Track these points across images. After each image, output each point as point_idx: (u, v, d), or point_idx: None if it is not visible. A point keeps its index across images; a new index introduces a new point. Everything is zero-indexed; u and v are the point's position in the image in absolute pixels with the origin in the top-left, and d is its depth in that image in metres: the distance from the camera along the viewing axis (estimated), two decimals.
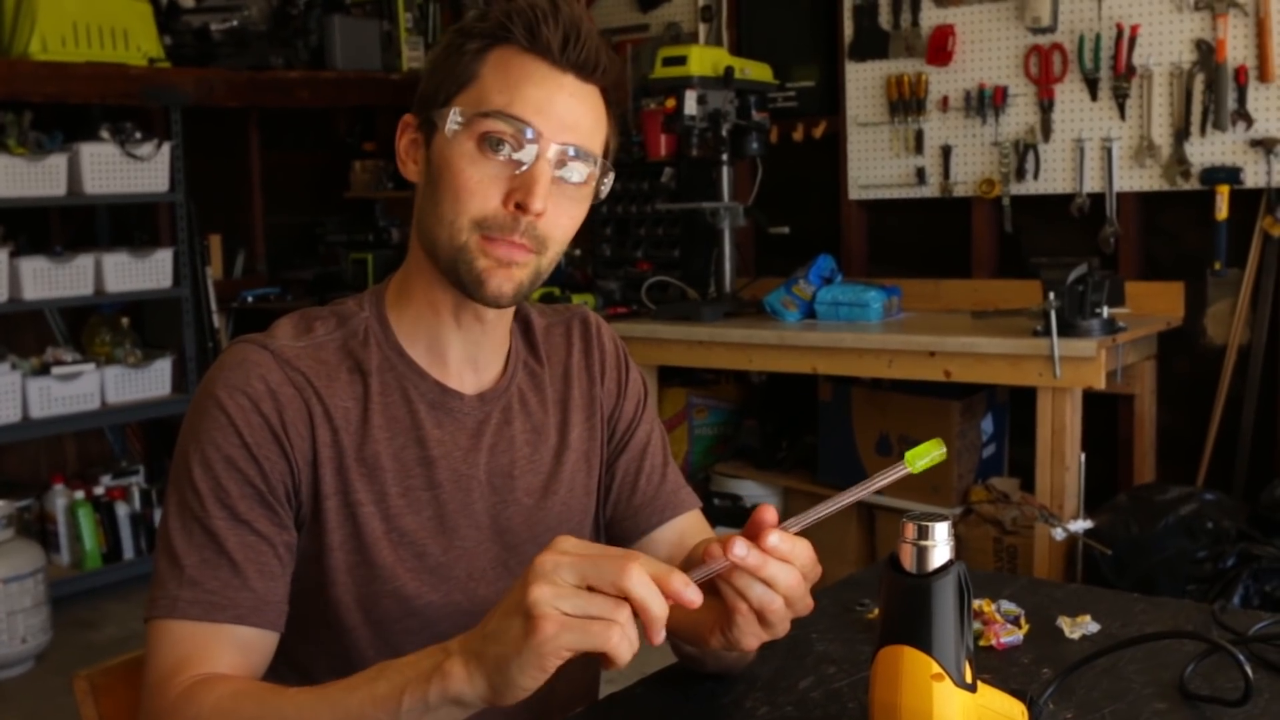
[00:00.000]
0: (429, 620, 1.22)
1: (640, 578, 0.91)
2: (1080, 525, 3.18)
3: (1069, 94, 3.85)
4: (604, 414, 1.38)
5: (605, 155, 1.22)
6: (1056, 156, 3.90)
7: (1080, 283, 3.23)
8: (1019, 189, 3.97)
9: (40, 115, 4.42)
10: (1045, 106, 3.88)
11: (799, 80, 4.47)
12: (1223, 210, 3.58)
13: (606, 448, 1.38)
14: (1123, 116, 3.76)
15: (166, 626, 1.12)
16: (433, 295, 1.24)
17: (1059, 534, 3.16)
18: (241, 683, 1.10)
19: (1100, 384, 3.22)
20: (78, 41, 4.36)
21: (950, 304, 4.06)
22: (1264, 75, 3.51)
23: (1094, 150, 3.82)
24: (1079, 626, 1.36)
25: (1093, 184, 3.84)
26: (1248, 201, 3.60)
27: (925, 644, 0.94)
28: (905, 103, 4.14)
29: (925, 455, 0.98)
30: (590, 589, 0.91)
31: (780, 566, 0.98)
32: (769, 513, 0.99)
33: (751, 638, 1.02)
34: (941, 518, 0.95)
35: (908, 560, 0.95)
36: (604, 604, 0.90)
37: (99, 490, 4.58)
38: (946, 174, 4.11)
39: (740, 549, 0.97)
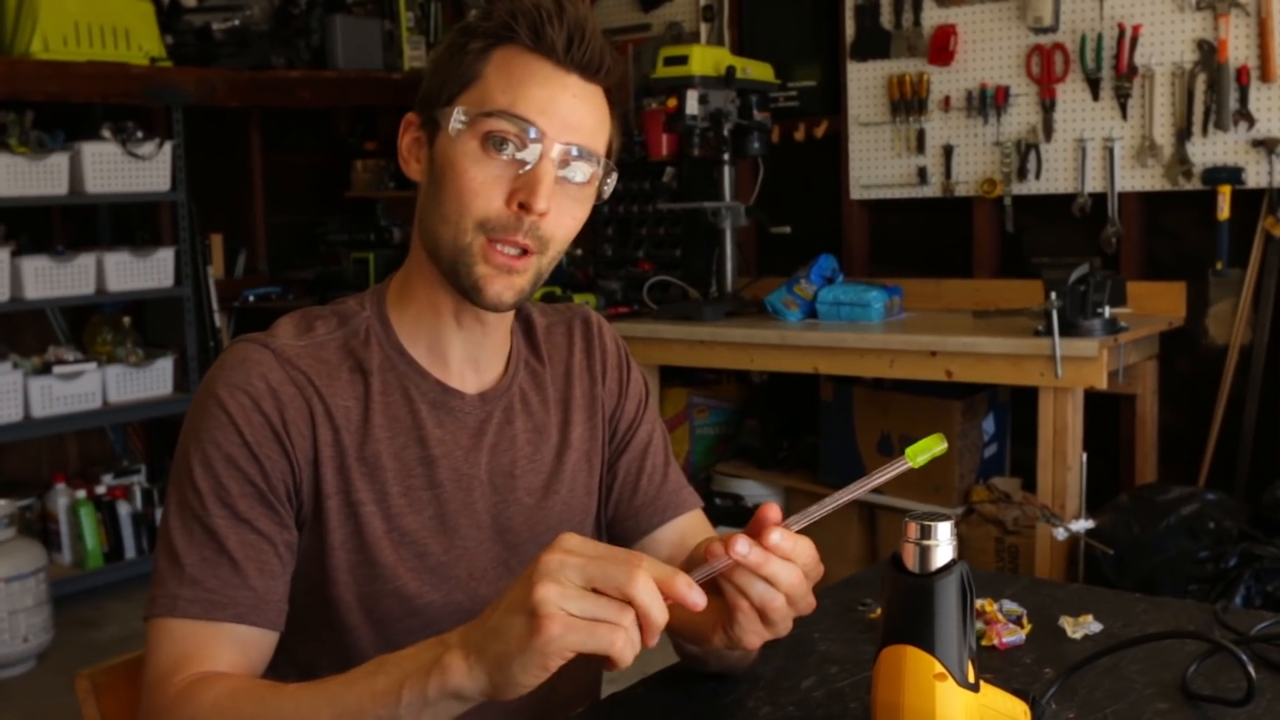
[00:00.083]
0: (430, 620, 1.22)
1: (646, 584, 0.91)
2: (1082, 525, 3.18)
3: (1071, 94, 3.85)
4: (605, 414, 1.38)
5: (608, 155, 1.22)
6: (1058, 156, 3.90)
7: (1082, 283, 3.23)
8: (1020, 189, 3.97)
9: (42, 114, 4.42)
10: (1047, 106, 3.88)
11: (800, 80, 4.47)
12: (1224, 210, 3.58)
13: (608, 447, 1.38)
14: (1124, 116, 3.75)
15: (166, 625, 1.12)
16: (434, 295, 1.24)
17: (1061, 534, 3.16)
18: (240, 680, 1.10)
19: (1102, 384, 3.22)
20: (79, 41, 4.36)
21: (952, 304, 4.05)
22: (1266, 75, 3.51)
23: (1096, 150, 3.82)
24: (1081, 626, 1.36)
25: (1094, 184, 3.83)
26: (1249, 201, 3.59)
27: (928, 644, 0.93)
28: (907, 102, 4.14)
29: (926, 450, 0.98)
30: (595, 591, 0.91)
31: (782, 564, 0.98)
32: (772, 511, 0.99)
33: (754, 636, 1.02)
34: (944, 517, 0.95)
35: (910, 560, 0.95)
36: (609, 607, 0.90)
37: (100, 489, 4.59)
38: (948, 174, 4.10)
39: (742, 546, 0.97)
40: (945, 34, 4.04)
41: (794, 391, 4.35)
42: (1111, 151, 3.78)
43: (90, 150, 4.32)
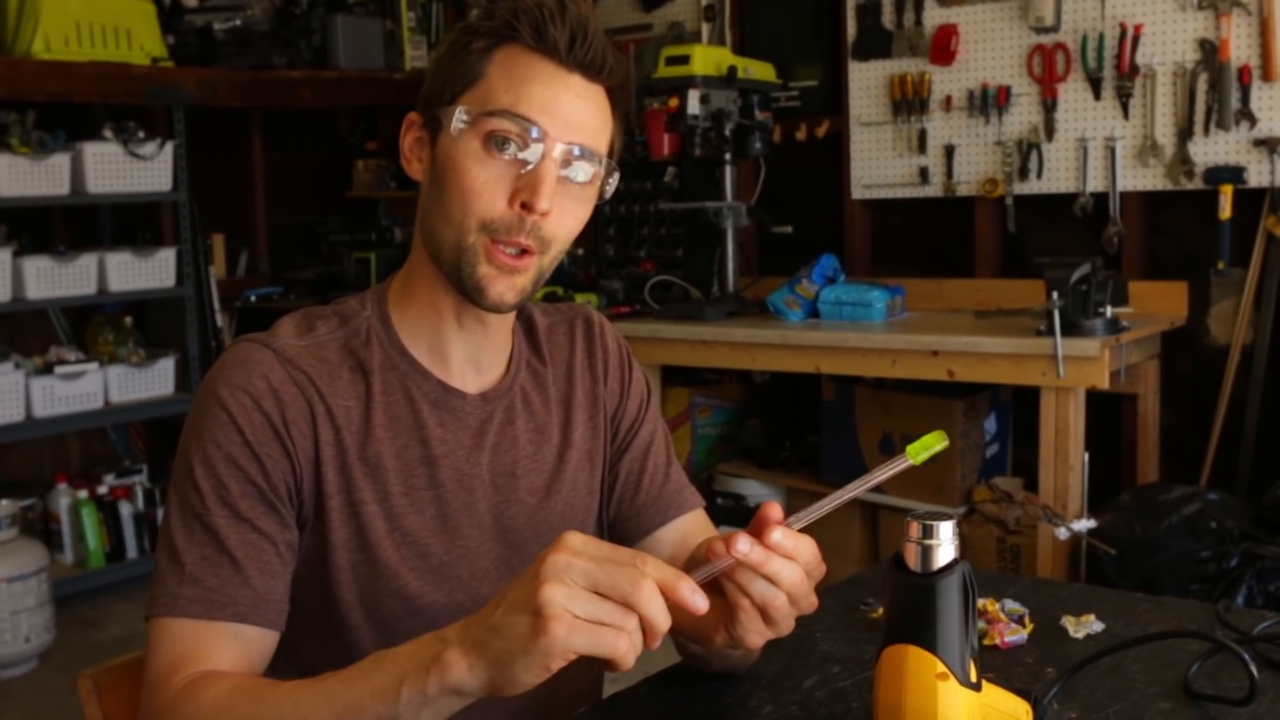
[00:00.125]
0: (432, 620, 1.21)
1: (651, 593, 0.90)
2: (1084, 525, 3.18)
3: (1072, 93, 3.85)
4: (607, 413, 1.38)
5: (610, 155, 1.22)
6: (1060, 156, 3.90)
7: (1083, 282, 3.23)
8: (1022, 188, 3.97)
9: (43, 114, 4.42)
10: (1048, 106, 3.88)
11: (802, 80, 4.47)
12: (1226, 210, 3.58)
13: (610, 447, 1.38)
14: (1126, 116, 3.75)
15: (166, 624, 1.12)
16: (435, 295, 1.24)
17: (1062, 534, 3.16)
18: (239, 679, 1.09)
19: (1104, 383, 3.22)
20: (81, 41, 4.36)
21: (953, 303, 4.05)
22: (1268, 74, 3.51)
23: (1097, 150, 3.82)
24: (1083, 626, 1.36)
25: (1096, 183, 3.83)
26: (1251, 201, 3.59)
27: (930, 643, 0.93)
28: (908, 102, 4.14)
29: (927, 447, 0.98)
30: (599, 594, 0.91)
31: (783, 563, 0.98)
32: (774, 509, 0.99)
33: (756, 635, 1.02)
34: (946, 516, 0.95)
35: (912, 559, 0.95)
36: (614, 611, 0.90)
37: (102, 489, 4.59)
38: (950, 173, 4.10)
39: (743, 545, 0.97)
40: (946, 34, 4.04)
41: (796, 391, 4.35)
42: (1113, 151, 3.78)
43: (92, 150, 4.32)
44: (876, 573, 1.60)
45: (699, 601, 0.93)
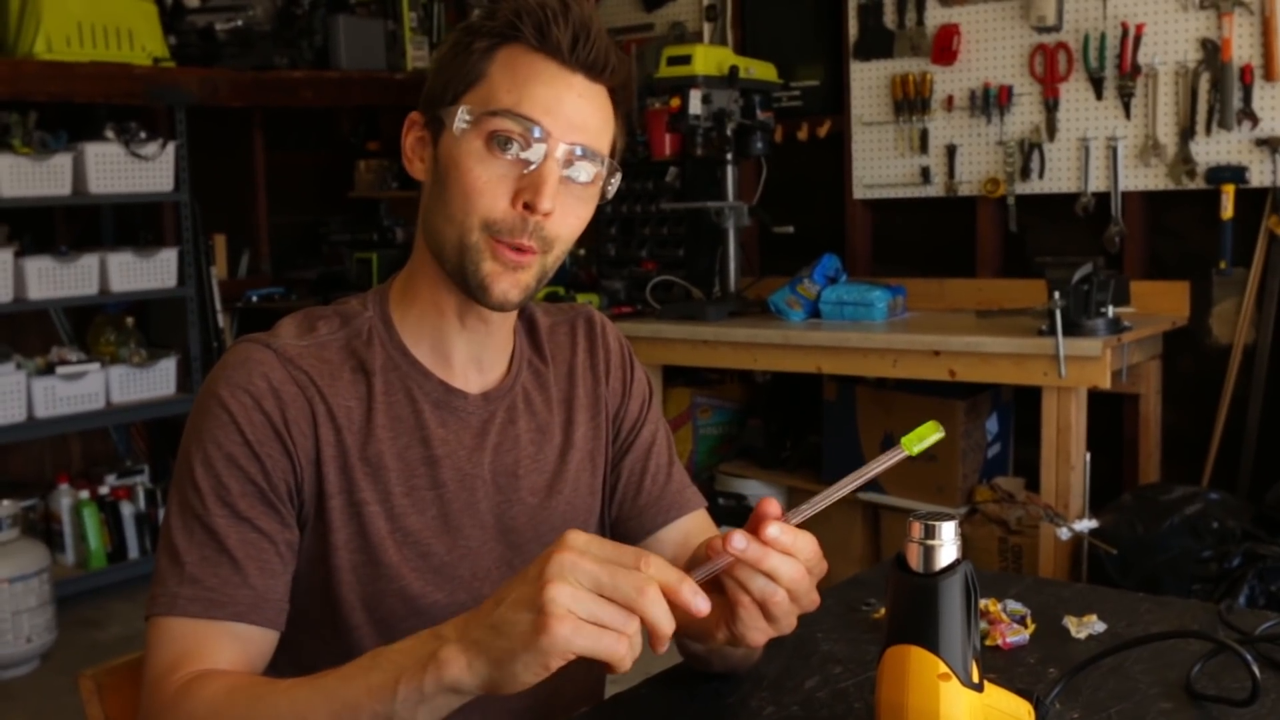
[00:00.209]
0: (434, 620, 1.21)
1: (655, 598, 0.90)
2: (1085, 525, 3.17)
3: (1074, 93, 3.85)
4: (609, 413, 1.38)
5: (612, 155, 1.22)
6: (1061, 156, 3.90)
7: (1085, 282, 3.22)
8: (1024, 188, 3.97)
9: (45, 115, 4.42)
10: (1050, 106, 3.88)
11: (803, 79, 4.47)
12: (1228, 209, 3.58)
13: (611, 447, 1.38)
14: (1128, 115, 3.75)
15: (166, 624, 1.12)
16: (437, 295, 1.24)
17: (1064, 534, 3.16)
18: (237, 678, 1.09)
19: (1105, 383, 3.22)
20: (82, 41, 4.36)
21: (955, 303, 4.05)
22: (1270, 74, 3.51)
23: (1099, 149, 3.82)
24: (1085, 626, 1.36)
25: (1098, 183, 3.83)
26: (1253, 201, 3.59)
27: (932, 643, 0.93)
28: (910, 102, 4.14)
29: (922, 438, 0.97)
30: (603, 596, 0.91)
31: (782, 559, 0.98)
32: (771, 505, 0.99)
33: (756, 632, 1.02)
34: (948, 517, 0.95)
35: (914, 560, 0.94)
36: (617, 614, 0.90)
37: (104, 490, 4.59)
38: (951, 173, 4.10)
39: (739, 542, 0.96)
40: (948, 33, 4.03)
41: (797, 391, 4.35)
42: (1115, 151, 3.77)
43: (93, 151, 4.32)
44: (878, 573, 1.60)
45: (701, 604, 0.92)
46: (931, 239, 4.24)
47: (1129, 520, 3.25)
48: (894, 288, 3.81)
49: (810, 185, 4.47)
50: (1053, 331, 3.17)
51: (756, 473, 4.31)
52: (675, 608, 0.92)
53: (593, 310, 1.43)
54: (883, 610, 1.39)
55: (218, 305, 4.97)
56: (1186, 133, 3.65)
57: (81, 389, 4.37)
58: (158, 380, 4.61)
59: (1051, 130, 3.89)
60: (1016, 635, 1.33)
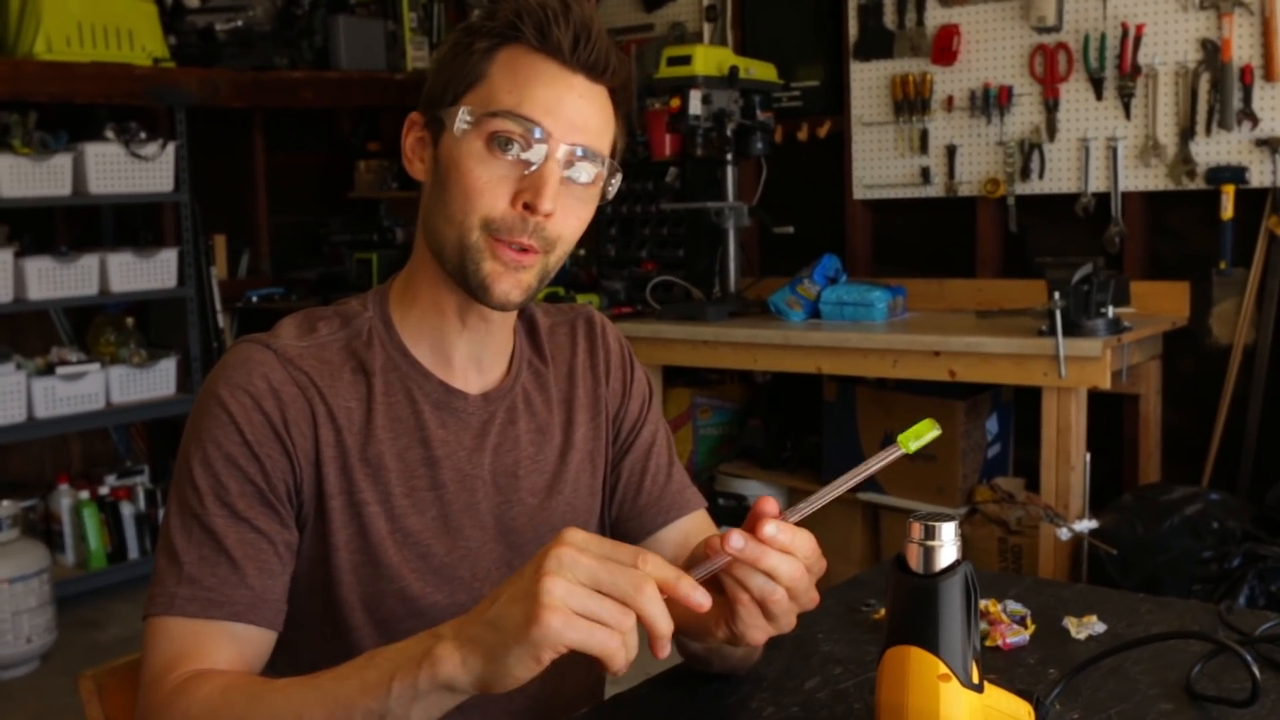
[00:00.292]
0: (434, 621, 1.21)
1: (652, 595, 0.90)
2: (1085, 525, 3.17)
3: (1074, 93, 3.85)
4: (609, 414, 1.38)
5: (613, 155, 1.22)
6: (1061, 156, 3.90)
7: (1085, 282, 3.22)
8: (1024, 188, 3.97)
9: (45, 115, 4.42)
10: (1050, 106, 3.88)
11: (804, 80, 4.47)
12: (1228, 210, 3.58)
13: (611, 448, 1.38)
14: (1128, 116, 3.75)
15: (164, 623, 1.12)
16: (438, 295, 1.24)
17: (1064, 534, 3.16)
18: (234, 677, 1.10)
19: (1105, 384, 3.22)
20: (83, 41, 4.37)
21: (955, 304, 4.05)
22: (1270, 74, 3.51)
23: (1099, 150, 3.82)
24: (1085, 627, 1.36)
25: (1098, 183, 3.83)
26: (1253, 201, 3.59)
27: (932, 644, 0.93)
28: (910, 102, 4.14)
29: (918, 436, 0.97)
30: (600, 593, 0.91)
31: (780, 557, 0.97)
32: (768, 504, 0.99)
33: (756, 631, 1.02)
34: (948, 517, 0.94)
35: (914, 560, 0.94)
36: (613, 610, 0.90)
37: (104, 490, 4.59)
38: (951, 174, 4.10)
39: (737, 541, 0.96)
40: (948, 34, 4.03)
41: (797, 392, 4.35)
42: (1115, 151, 3.77)
43: (93, 151, 4.32)
44: (878, 574, 1.60)
45: (700, 597, 0.93)
46: (931, 239, 4.24)
47: (1129, 521, 3.25)
48: (894, 288, 3.81)
49: (810, 185, 4.47)
50: (1053, 332, 3.17)
51: (756, 473, 4.31)
52: (674, 606, 0.93)
53: (593, 311, 1.43)
54: (883, 611, 1.39)
55: (218, 305, 4.97)
56: (1186, 133, 3.65)
57: (81, 389, 4.37)
58: (158, 380, 4.61)
59: (1051, 130, 3.89)
60: (1016, 636, 1.33)
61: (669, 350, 3.93)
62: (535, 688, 0.93)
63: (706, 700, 1.23)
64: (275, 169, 5.64)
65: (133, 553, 4.57)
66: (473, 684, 0.93)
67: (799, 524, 0.99)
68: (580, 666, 0.92)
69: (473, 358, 1.27)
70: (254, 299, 5.33)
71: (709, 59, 3.89)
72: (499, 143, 1.15)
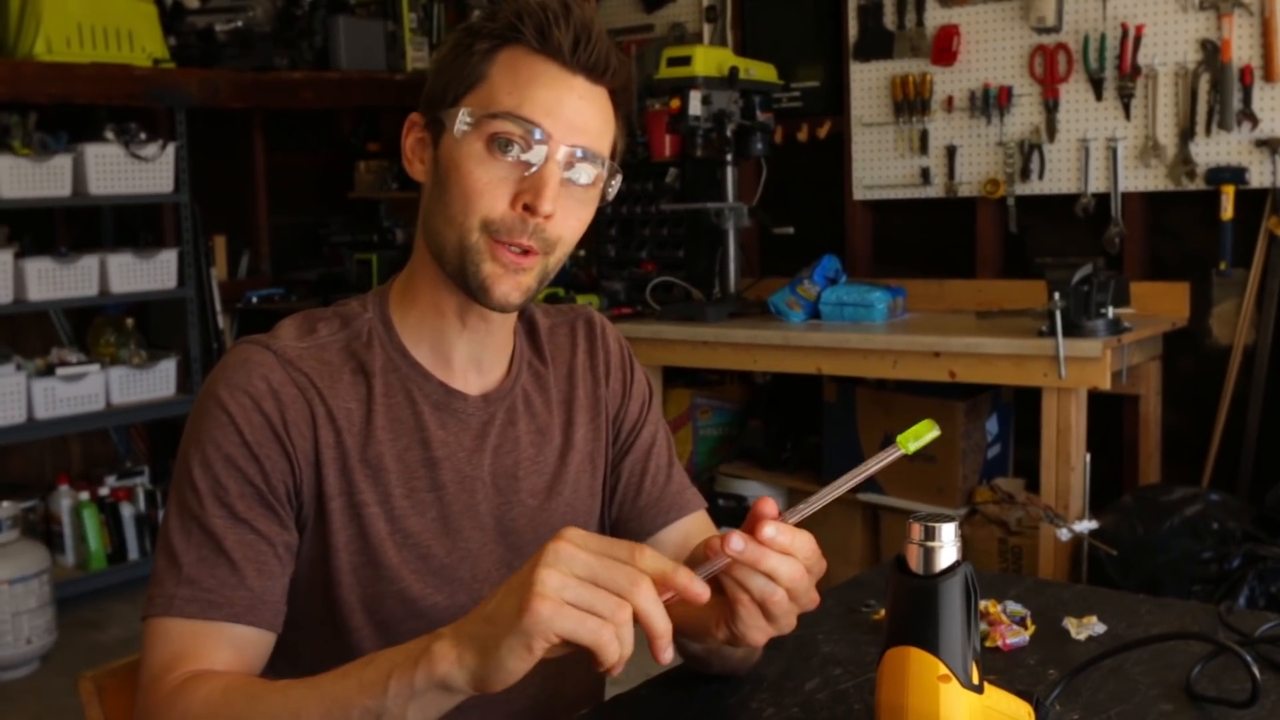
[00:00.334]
0: (434, 622, 1.21)
1: (648, 591, 0.91)
2: (1085, 526, 3.17)
3: (1074, 94, 3.85)
4: (609, 415, 1.38)
5: (613, 157, 1.22)
6: (1061, 156, 3.90)
7: (1085, 283, 3.22)
8: (1024, 189, 3.97)
9: (45, 116, 4.42)
10: (1050, 106, 3.88)
11: (804, 80, 4.47)
12: (1228, 210, 3.58)
13: (611, 449, 1.38)
14: (1128, 116, 3.75)
15: (163, 624, 1.12)
16: (438, 296, 1.24)
17: (1064, 535, 3.16)
18: (233, 677, 1.10)
19: (1105, 384, 3.22)
20: (82, 42, 4.37)
21: (955, 304, 4.05)
22: (1269, 75, 3.51)
23: (1099, 150, 3.82)
24: (1085, 627, 1.36)
25: (1098, 184, 3.83)
26: (1253, 201, 3.59)
27: (932, 645, 0.93)
28: (910, 103, 4.14)
29: (918, 436, 0.97)
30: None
31: (780, 558, 0.97)
32: (767, 505, 0.99)
33: (757, 632, 1.02)
34: (948, 518, 0.94)
35: (914, 561, 0.94)
36: (606, 600, 0.90)
37: (104, 491, 4.59)
38: (951, 174, 4.10)
39: (737, 543, 0.96)
40: (948, 34, 4.03)
41: (797, 392, 4.35)
42: (1115, 152, 3.77)
43: (93, 152, 4.32)
44: (878, 574, 1.60)
45: (697, 588, 0.93)
46: (931, 240, 4.24)
47: (1129, 521, 3.25)
48: (894, 289, 3.81)
49: (810, 186, 4.47)
50: (1053, 332, 3.17)
51: (757, 474, 4.31)
52: (674, 607, 0.93)
53: (593, 311, 1.43)
54: (883, 612, 1.39)
55: (218, 306, 4.97)
56: (1186, 133, 3.65)
57: (81, 390, 4.37)
58: (158, 381, 4.61)
59: (1051, 131, 3.89)
60: (1016, 636, 1.33)
61: (669, 351, 3.93)
62: (536, 688, 0.93)
63: (706, 701, 1.23)
64: (275, 170, 5.65)
65: (133, 554, 4.57)
66: (468, 681, 0.94)
67: (799, 525, 0.99)
68: (580, 667, 0.92)
69: (472, 359, 1.27)
70: (254, 300, 5.33)
71: (709, 60, 3.89)
72: (499, 144, 1.15)
